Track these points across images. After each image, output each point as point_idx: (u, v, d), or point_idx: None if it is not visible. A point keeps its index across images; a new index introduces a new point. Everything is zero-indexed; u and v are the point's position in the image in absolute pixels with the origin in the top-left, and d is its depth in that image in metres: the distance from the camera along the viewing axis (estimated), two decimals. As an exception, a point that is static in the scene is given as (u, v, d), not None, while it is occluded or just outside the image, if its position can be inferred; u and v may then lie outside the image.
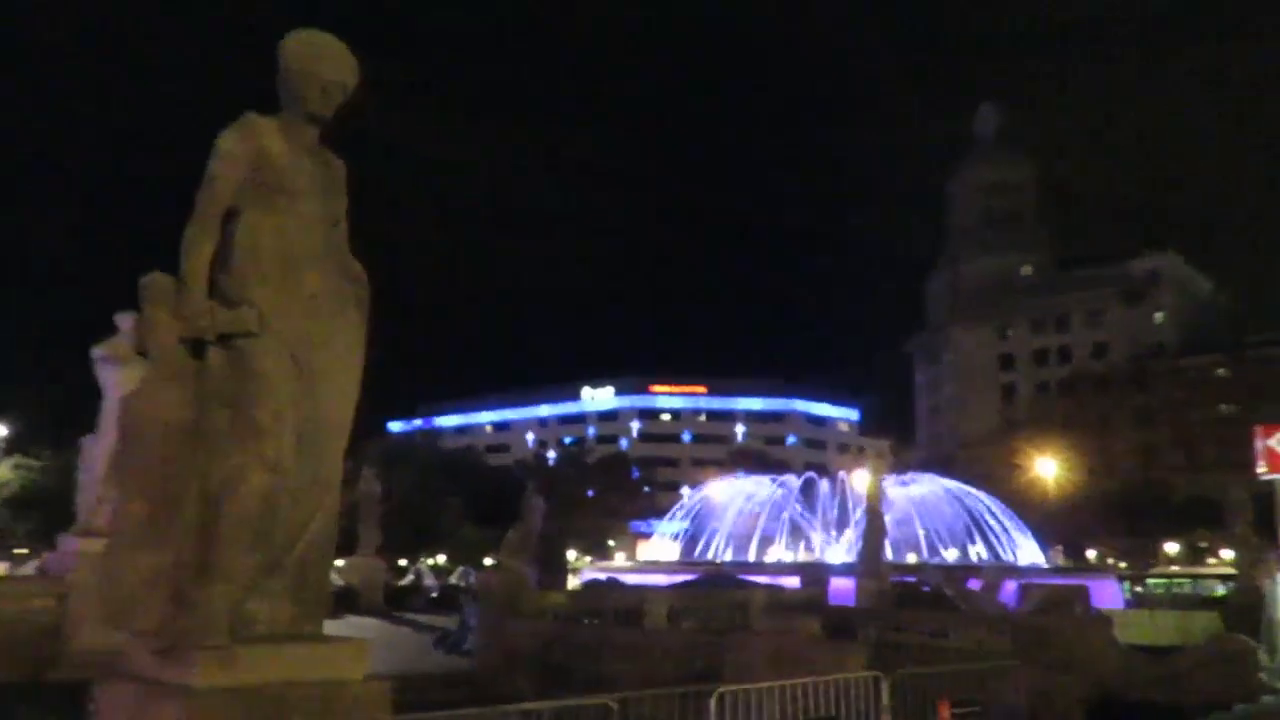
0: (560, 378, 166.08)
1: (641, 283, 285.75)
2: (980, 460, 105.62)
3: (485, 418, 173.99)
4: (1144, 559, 76.54)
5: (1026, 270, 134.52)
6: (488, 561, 77.87)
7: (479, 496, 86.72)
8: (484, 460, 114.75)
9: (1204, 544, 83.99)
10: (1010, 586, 33.96)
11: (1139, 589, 59.45)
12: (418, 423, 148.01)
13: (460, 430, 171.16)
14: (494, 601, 22.07)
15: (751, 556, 58.96)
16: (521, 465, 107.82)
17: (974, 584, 34.47)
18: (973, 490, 59.63)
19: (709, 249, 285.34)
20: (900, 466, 72.17)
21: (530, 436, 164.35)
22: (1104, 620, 25.40)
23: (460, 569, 65.93)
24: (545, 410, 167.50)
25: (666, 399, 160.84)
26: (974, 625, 23.48)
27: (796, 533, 60.72)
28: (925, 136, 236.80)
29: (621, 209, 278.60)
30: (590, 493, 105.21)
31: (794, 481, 63.17)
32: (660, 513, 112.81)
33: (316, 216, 7.59)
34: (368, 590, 37.68)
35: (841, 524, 58.70)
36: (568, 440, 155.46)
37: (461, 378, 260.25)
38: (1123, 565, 77.46)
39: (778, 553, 62.17)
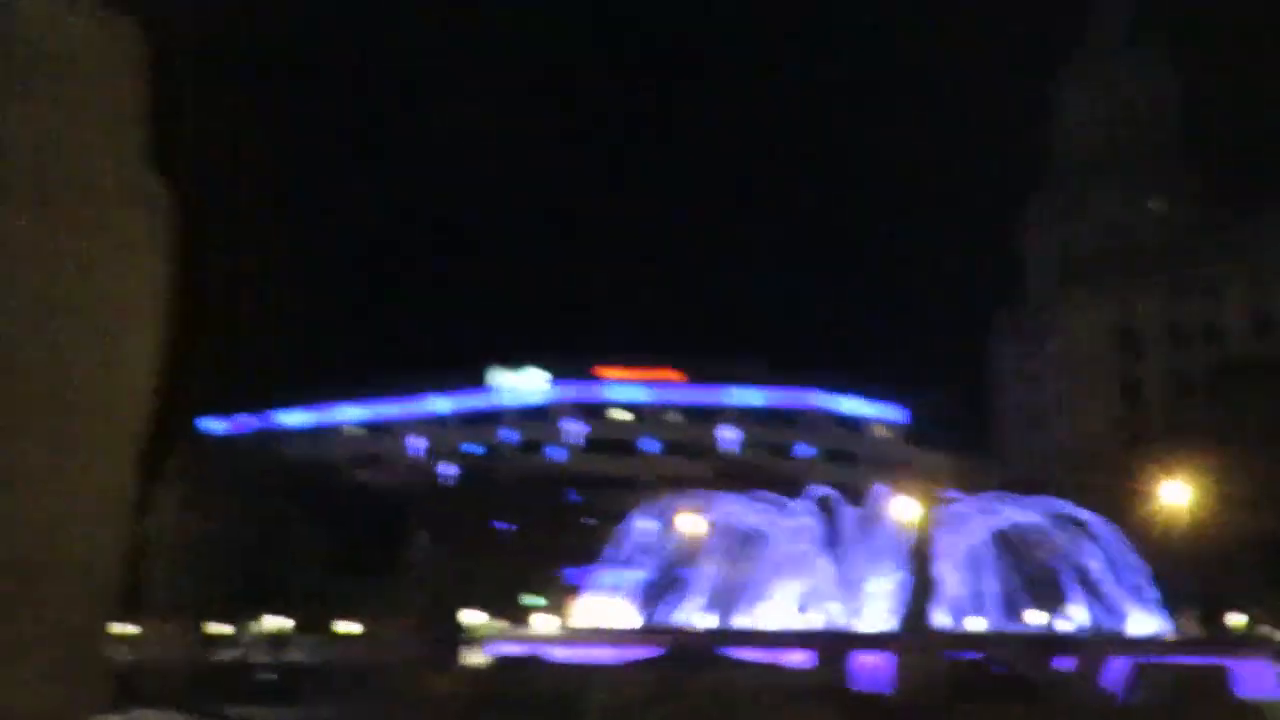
0: (463, 357, 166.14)
1: (588, 222, 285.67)
2: (1087, 485, 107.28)
3: (351, 415, 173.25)
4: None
5: (1160, 210, 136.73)
6: (350, 629, 78.02)
7: (339, 531, 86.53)
8: (348, 477, 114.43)
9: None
10: (1119, 666, 34.73)
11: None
12: (249, 421, 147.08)
13: (313, 433, 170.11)
14: (366, 681, 22.18)
15: (742, 621, 59.53)
16: (403, 485, 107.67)
17: (1066, 663, 35.21)
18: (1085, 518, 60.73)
19: (686, 174, 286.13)
20: (968, 490, 73.04)
21: (417, 441, 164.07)
22: (1253, 714, 26.14)
23: (308, 640, 65.93)
24: (440, 405, 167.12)
25: (622, 389, 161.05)
26: (1064, 723, 24.06)
27: (811, 586, 61.48)
28: (1017, 23, 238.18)
29: (558, 114, 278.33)
30: (505, 526, 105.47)
31: (801, 512, 63.87)
32: (609, 556, 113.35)
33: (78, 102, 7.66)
34: (165, 670, 37.66)
35: (873, 573, 59.42)
36: (473, 449, 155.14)
37: (317, 357, 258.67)
38: (1286, 638, 79.32)
39: (780, 616, 62.84)
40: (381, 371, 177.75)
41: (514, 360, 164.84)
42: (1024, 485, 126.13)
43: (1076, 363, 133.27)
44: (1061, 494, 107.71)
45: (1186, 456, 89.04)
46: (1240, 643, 58.57)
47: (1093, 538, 62.45)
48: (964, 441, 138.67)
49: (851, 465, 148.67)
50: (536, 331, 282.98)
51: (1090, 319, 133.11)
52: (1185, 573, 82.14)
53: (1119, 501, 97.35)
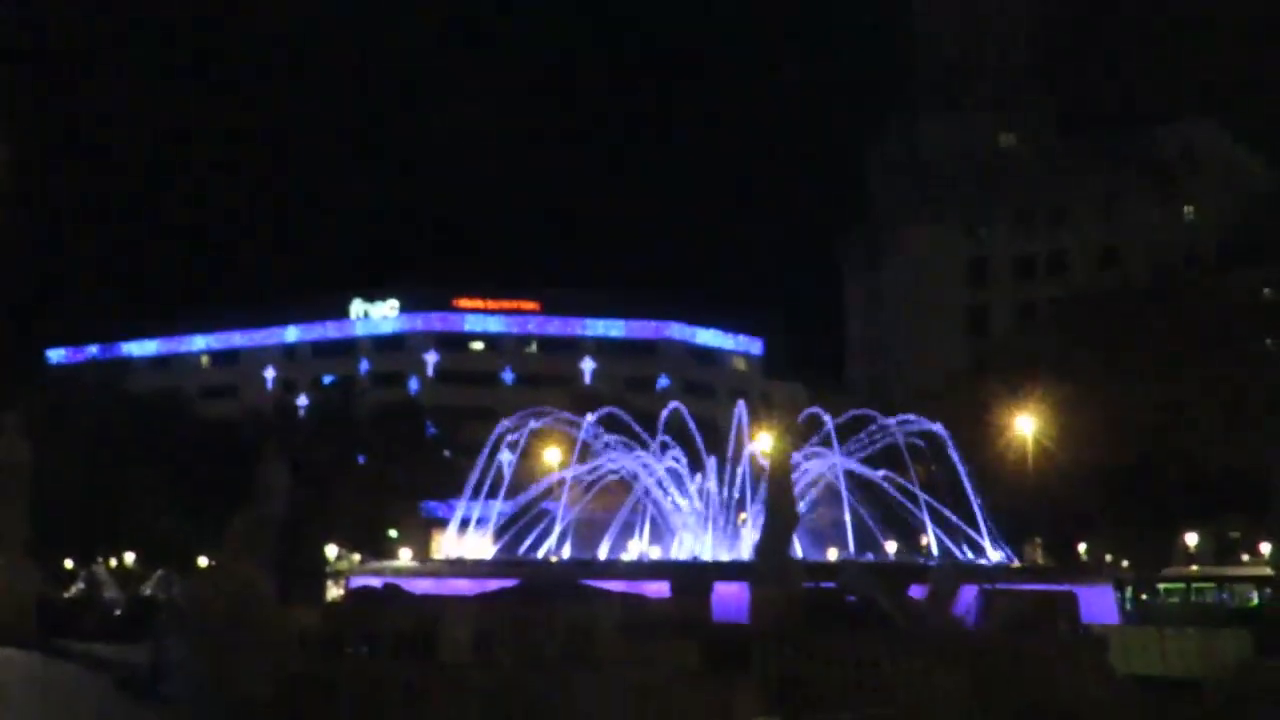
0: (317, 286, 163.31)
1: (440, 147, 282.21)
2: (936, 416, 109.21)
3: (199, 344, 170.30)
4: (1154, 556, 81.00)
5: (1009, 140, 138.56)
6: (202, 563, 76.93)
7: (188, 466, 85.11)
8: (196, 410, 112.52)
9: (1236, 535, 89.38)
10: (969, 594, 35.51)
11: (1145, 597, 63.15)
12: (92, 351, 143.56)
13: (160, 363, 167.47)
14: (210, 623, 21.87)
15: (603, 553, 59.82)
16: (255, 417, 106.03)
17: (919, 591, 35.91)
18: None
19: (542, 102, 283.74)
20: (818, 423, 74.05)
21: (269, 373, 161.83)
22: (1096, 642, 26.92)
23: (158, 575, 64.96)
24: (293, 334, 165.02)
25: (479, 320, 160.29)
26: (918, 650, 24.50)
27: (672, 518, 61.95)
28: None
29: (391, 29, 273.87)
30: (361, 459, 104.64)
31: (660, 445, 64.11)
32: (468, 489, 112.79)
33: None
34: (12, 608, 37.10)
35: (733, 504, 60.04)
36: (327, 380, 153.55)
37: (164, 284, 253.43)
38: (1124, 565, 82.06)
39: (643, 548, 63.21)
40: (234, 300, 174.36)
41: (372, 290, 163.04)
42: (872, 418, 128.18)
43: (922, 291, 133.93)
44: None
45: (1032, 388, 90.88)
46: (1083, 571, 60.42)
47: (943, 466, 63.64)
48: (819, 374, 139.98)
49: (709, 398, 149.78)
50: (395, 262, 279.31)
51: (935, 244, 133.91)
52: (1032, 503, 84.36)
53: (966, 433, 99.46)
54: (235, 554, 27.52)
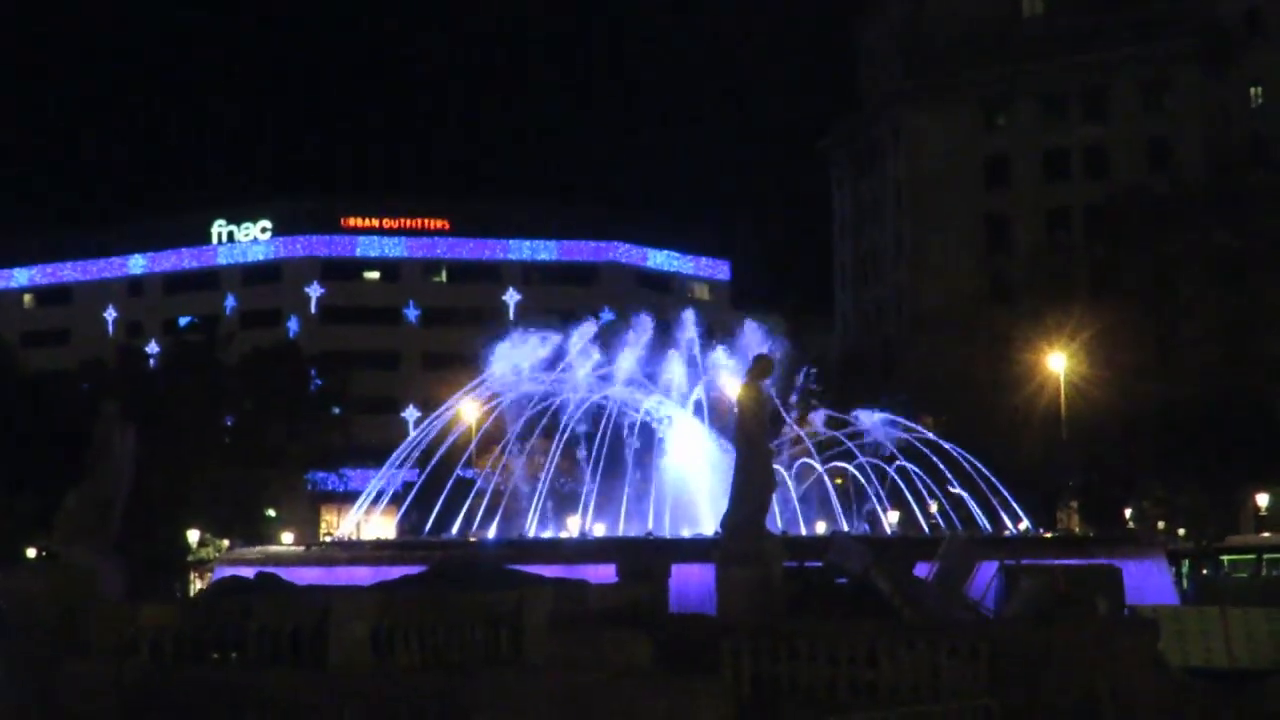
0: (169, 204, 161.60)
1: (323, 36, 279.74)
2: (944, 353, 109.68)
3: (20, 279, 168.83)
4: (1217, 521, 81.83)
5: (1034, 7, 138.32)
6: (30, 554, 76.51)
7: (7, 430, 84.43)
8: (17, 360, 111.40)
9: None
10: (987, 571, 35.79)
11: (1206, 571, 63.88)
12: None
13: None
14: (35, 624, 21.73)
15: (532, 530, 59.92)
16: (92, 368, 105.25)
17: (925, 569, 36.14)
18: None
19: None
20: (801, 362, 74.29)
21: (110, 314, 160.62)
22: (1144, 627, 27.18)
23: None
24: (138, 264, 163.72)
25: (373, 243, 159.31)
26: (924, 642, 24.66)
27: (621, 486, 62.18)
28: None
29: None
30: (229, 420, 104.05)
31: (605, 393, 64.16)
32: (367, 454, 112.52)
33: None
34: None
35: (697, 468, 60.22)
36: (183, 321, 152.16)
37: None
38: (1180, 533, 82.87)
39: (585, 524, 63.34)
40: (64, 224, 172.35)
41: (238, 209, 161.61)
42: (869, 355, 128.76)
43: (927, 194, 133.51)
44: (913, 368, 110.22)
45: (1065, 316, 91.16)
46: (1129, 541, 61.00)
47: (956, 415, 64.13)
48: (800, 304, 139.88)
49: (664, 333, 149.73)
50: (267, 176, 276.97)
51: (943, 133, 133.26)
52: (1065, 459, 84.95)
53: (980, 371, 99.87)
54: (68, 539, 27.33)
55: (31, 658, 21.76)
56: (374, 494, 69.90)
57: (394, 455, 68.24)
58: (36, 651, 21.75)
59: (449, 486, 66.88)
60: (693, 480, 59.79)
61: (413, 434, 71.20)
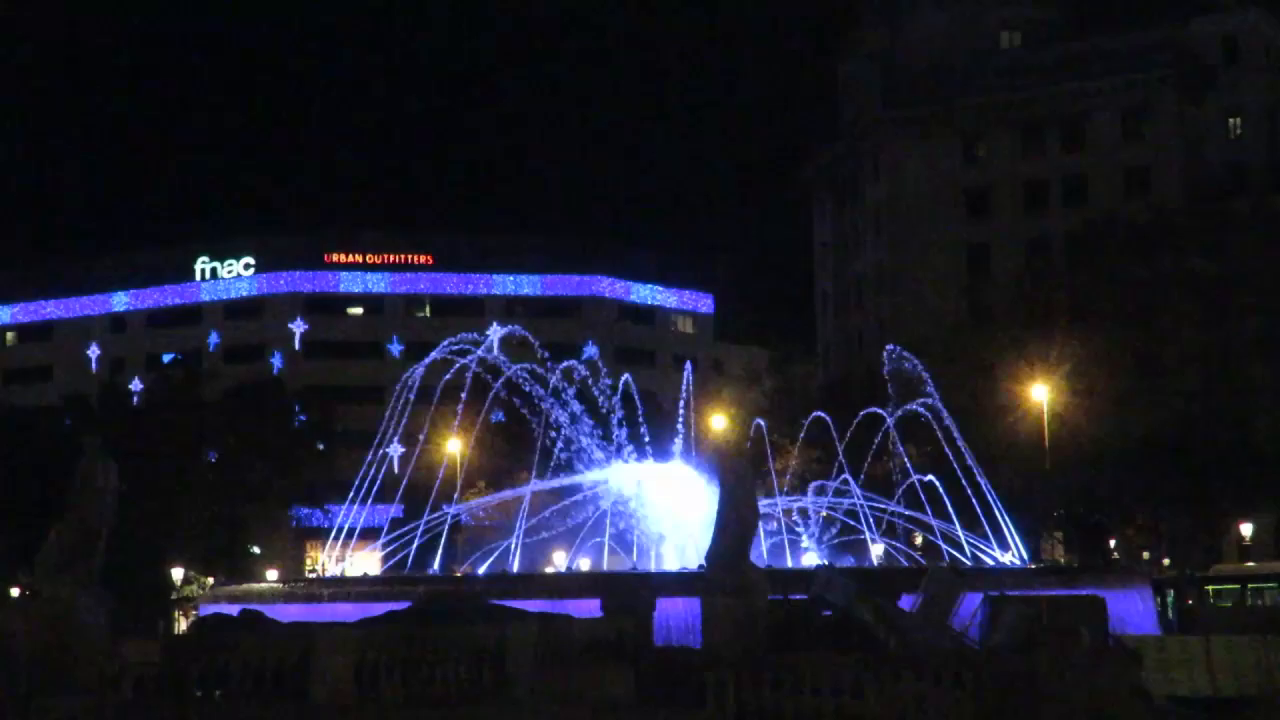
0: (152, 240, 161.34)
1: (310, 77, 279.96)
2: (920, 378, 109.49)
3: (3, 316, 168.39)
4: (1200, 549, 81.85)
5: (1013, 39, 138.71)
6: (13, 592, 76.18)
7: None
8: (0, 395, 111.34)
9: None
10: (971, 603, 35.76)
11: (1191, 601, 63.83)
12: None
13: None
14: (16, 660, 21.57)
15: (517, 565, 59.81)
16: (75, 405, 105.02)
17: (910, 601, 36.11)
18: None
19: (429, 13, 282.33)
20: (789, 393, 74.52)
21: (93, 351, 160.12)
22: (1127, 657, 27.15)
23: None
24: (121, 301, 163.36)
25: (356, 278, 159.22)
26: (909, 672, 24.64)
27: (606, 519, 62.13)
28: None
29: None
30: (213, 455, 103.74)
31: (590, 428, 64.16)
32: (351, 489, 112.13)
33: None
34: None
35: (681, 502, 60.16)
36: (167, 357, 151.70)
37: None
38: (1165, 562, 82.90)
39: (571, 558, 63.32)
40: (47, 261, 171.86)
41: (221, 245, 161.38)
42: (852, 385, 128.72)
43: (907, 223, 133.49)
44: (896, 396, 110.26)
45: (1047, 344, 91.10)
46: (1113, 571, 61.03)
47: (939, 446, 64.07)
48: (783, 335, 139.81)
49: (648, 366, 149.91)
50: (250, 211, 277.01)
51: (923, 164, 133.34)
52: (1049, 488, 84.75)
53: (965, 401, 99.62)
54: (51, 576, 27.20)
55: (13, 694, 21.62)
56: (358, 529, 69.69)
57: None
58: (17, 688, 21.61)
59: (432, 522, 66.74)
60: (677, 520, 59.84)
61: (397, 470, 71.01)
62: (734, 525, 34.98)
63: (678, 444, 64.69)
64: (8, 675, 22.45)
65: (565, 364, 67.07)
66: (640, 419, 66.15)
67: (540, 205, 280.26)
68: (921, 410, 65.12)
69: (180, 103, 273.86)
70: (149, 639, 37.17)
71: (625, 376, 66.99)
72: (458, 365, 64.35)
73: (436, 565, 61.90)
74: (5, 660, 22.73)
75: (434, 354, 66.38)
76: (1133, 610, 45.12)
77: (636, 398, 66.99)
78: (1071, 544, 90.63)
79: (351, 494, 65.52)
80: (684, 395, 67.59)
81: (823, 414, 69.65)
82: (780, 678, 25.10)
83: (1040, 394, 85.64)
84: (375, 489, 68.30)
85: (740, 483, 35.57)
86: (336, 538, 67.83)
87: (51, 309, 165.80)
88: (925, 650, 29.58)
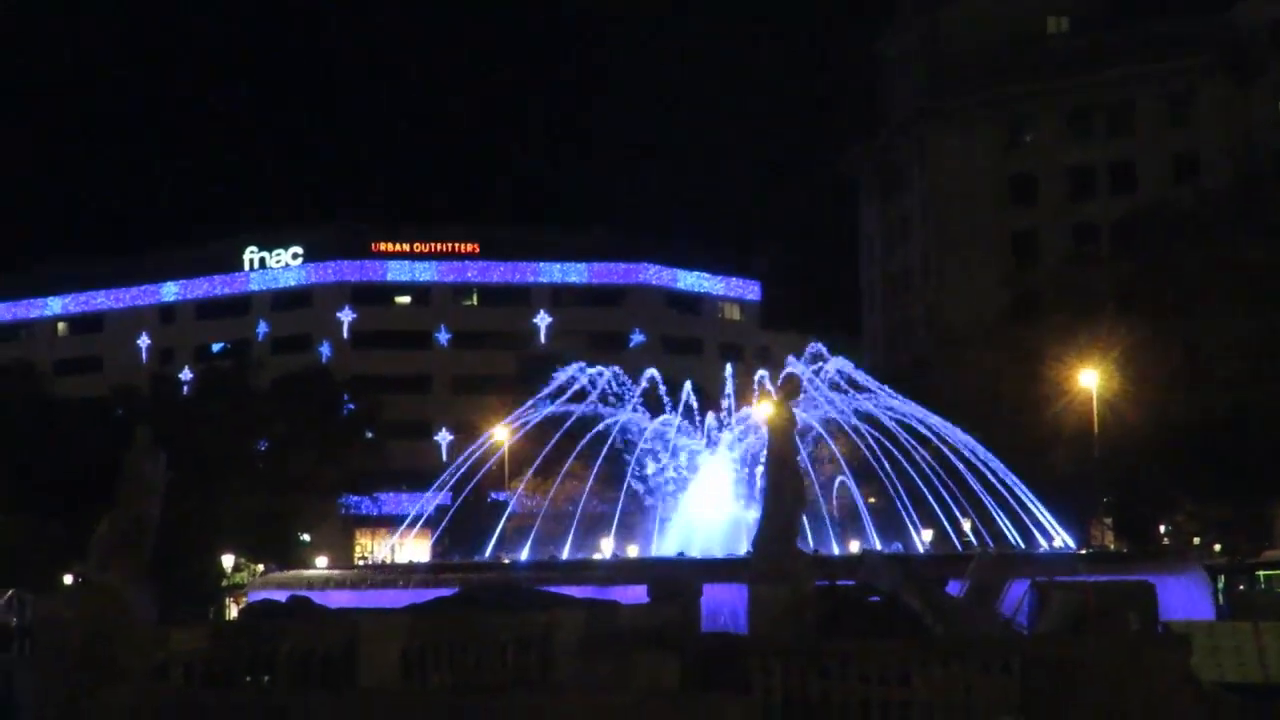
0: (201, 231, 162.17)
1: (354, 64, 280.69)
2: (971, 369, 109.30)
3: (54, 308, 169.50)
4: (1249, 535, 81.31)
5: (1059, 24, 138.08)
6: (66, 580, 76.65)
7: (41, 456, 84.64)
8: (50, 387, 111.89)
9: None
10: (1019, 588, 35.59)
11: (1243, 588, 63.44)
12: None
13: (5, 331, 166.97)
14: (65, 649, 21.66)
15: (566, 552, 59.94)
16: (125, 395, 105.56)
17: (958, 587, 35.96)
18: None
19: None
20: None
21: (143, 341, 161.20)
22: (1177, 643, 26.94)
23: (8, 595, 64.77)
24: (171, 292, 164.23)
25: (404, 267, 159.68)
26: (957, 659, 24.49)
27: (655, 508, 62.21)
28: None
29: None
30: (262, 445, 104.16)
31: (636, 416, 64.14)
32: (399, 478, 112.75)
33: None
34: None
35: (728, 489, 60.18)
36: (216, 347, 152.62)
37: (8, 234, 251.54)
38: (1216, 548, 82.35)
39: (619, 545, 63.39)
40: (97, 253, 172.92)
41: (269, 235, 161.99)
42: (899, 373, 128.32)
43: (950, 211, 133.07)
44: (933, 380, 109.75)
45: (1094, 331, 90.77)
46: (1163, 556, 60.69)
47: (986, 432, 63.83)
48: (829, 323, 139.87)
49: (695, 355, 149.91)
50: (298, 201, 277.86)
51: (966, 152, 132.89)
52: (1098, 474, 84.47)
53: (1008, 386, 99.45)
54: (102, 565, 27.27)
55: (62, 683, 21.70)
56: (410, 516, 70.01)
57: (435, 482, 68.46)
58: (67, 677, 21.68)
59: (483, 509, 66.97)
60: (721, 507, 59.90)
61: (445, 458, 71.32)
62: (781, 511, 34.89)
63: (725, 436, 64.71)
64: (58, 664, 22.50)
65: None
66: (694, 409, 66.22)
67: (586, 192, 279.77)
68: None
69: (231, 94, 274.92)
70: (197, 626, 37.35)
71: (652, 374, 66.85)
72: (573, 419, 64.24)
73: (487, 553, 62.02)
74: (55, 649, 22.77)
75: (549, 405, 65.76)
76: (1185, 596, 44.90)
77: (692, 394, 66.94)
78: (1121, 530, 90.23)
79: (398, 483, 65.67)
80: (727, 395, 67.66)
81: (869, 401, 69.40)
82: (827, 665, 24.98)
83: (1089, 381, 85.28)
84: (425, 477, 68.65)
85: (786, 469, 35.45)
86: (385, 525, 68.11)
87: (102, 300, 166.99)
88: (973, 637, 29.42)
